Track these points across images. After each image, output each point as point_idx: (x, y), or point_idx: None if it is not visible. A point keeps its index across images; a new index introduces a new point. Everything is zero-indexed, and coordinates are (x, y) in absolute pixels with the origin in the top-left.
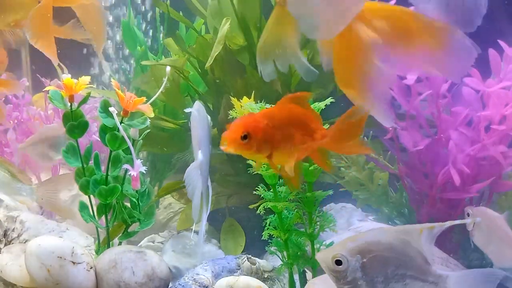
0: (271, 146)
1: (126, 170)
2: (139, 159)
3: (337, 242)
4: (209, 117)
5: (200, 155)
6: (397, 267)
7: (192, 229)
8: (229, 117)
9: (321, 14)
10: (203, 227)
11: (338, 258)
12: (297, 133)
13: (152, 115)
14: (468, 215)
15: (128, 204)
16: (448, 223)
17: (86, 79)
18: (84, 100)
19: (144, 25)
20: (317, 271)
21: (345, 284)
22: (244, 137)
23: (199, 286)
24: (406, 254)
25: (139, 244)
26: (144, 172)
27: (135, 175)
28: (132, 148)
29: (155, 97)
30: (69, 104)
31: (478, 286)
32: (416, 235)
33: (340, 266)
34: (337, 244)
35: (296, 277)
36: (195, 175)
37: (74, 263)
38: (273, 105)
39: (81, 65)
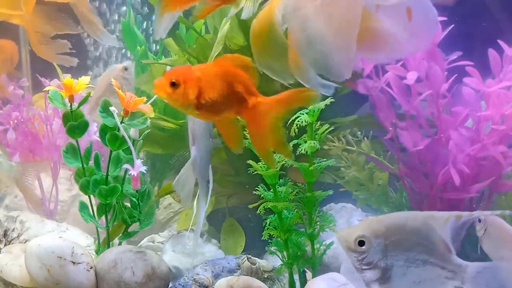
0: (198, 98)
1: (126, 170)
2: (139, 159)
3: (362, 221)
4: None
5: (193, 151)
6: (419, 252)
7: (191, 229)
8: None
9: (332, 59)
10: (200, 224)
11: (362, 239)
12: (229, 92)
13: (152, 115)
14: (480, 221)
15: (128, 204)
16: (477, 213)
17: (86, 79)
18: (84, 100)
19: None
20: (317, 271)
21: (364, 265)
22: (172, 84)
23: (199, 286)
24: (430, 240)
25: (139, 244)
26: (144, 172)
27: (135, 175)
28: (132, 148)
29: (155, 97)
30: (69, 104)
31: (498, 279)
32: (442, 222)
33: (362, 247)
34: (361, 224)
35: (296, 277)
36: (187, 175)
37: (74, 263)
38: None
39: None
